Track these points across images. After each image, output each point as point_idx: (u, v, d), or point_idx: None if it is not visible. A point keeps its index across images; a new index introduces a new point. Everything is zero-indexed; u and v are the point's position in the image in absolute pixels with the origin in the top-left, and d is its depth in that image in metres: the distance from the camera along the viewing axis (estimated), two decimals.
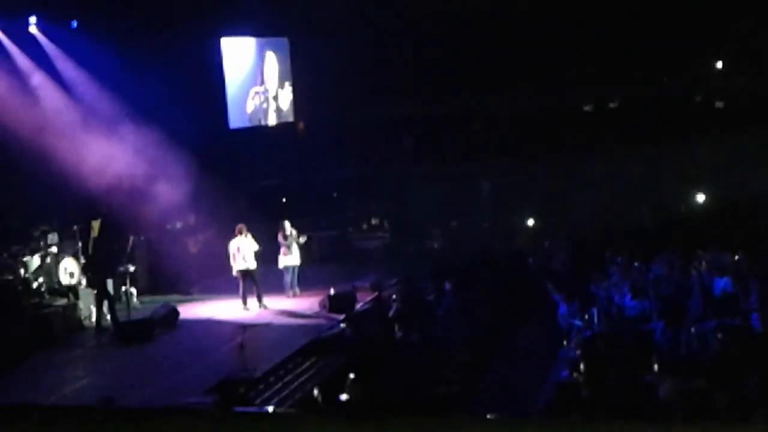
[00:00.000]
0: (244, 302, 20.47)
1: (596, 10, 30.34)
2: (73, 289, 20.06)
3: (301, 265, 21.69)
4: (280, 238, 21.47)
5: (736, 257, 18.65)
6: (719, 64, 33.52)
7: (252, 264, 20.47)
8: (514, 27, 30.52)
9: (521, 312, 19.73)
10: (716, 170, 28.46)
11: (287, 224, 21.61)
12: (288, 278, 21.48)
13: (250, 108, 28.28)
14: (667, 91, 32.70)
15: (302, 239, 21.76)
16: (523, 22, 30.53)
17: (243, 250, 20.42)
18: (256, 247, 20.55)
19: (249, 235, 20.56)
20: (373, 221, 28.32)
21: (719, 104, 32.83)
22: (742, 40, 30.59)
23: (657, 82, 32.64)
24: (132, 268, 20.99)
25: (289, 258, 21.46)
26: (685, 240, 20.95)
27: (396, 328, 18.81)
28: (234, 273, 20.51)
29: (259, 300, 20.56)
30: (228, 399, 14.30)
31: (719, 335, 13.29)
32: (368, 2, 29.91)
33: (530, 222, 27.47)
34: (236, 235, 20.52)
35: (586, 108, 33.56)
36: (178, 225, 23.73)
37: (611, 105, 33.41)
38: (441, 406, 14.61)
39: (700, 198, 27.84)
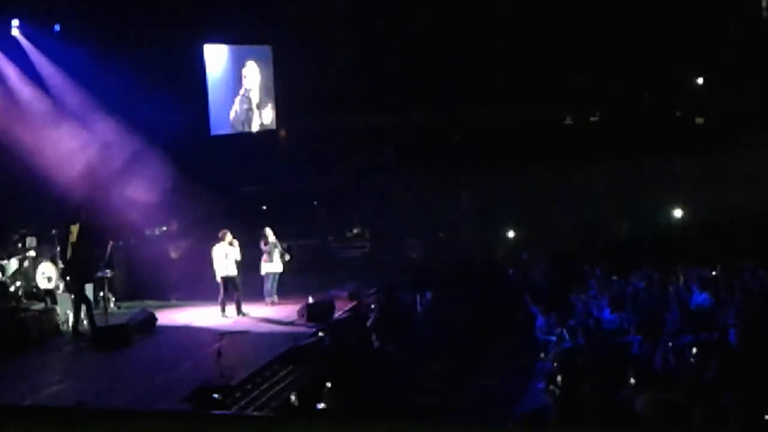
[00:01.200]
0: (223, 309, 20.41)
1: (579, 23, 30.51)
2: (50, 294, 19.95)
3: (282, 272, 21.71)
4: (262, 245, 21.45)
5: (714, 272, 18.76)
6: (700, 80, 33.74)
7: (233, 271, 20.44)
8: (497, 39, 30.64)
9: (500, 323, 19.74)
10: (695, 185, 28.61)
11: (269, 231, 21.59)
12: (268, 285, 21.45)
13: (232, 115, 28.25)
14: (647, 105, 32.88)
15: (287, 257, 21.76)
16: (505, 34, 30.65)
17: (230, 256, 20.38)
18: (239, 254, 20.53)
19: (235, 241, 20.52)
20: (354, 231, 28.29)
21: (699, 120, 33.04)
22: (723, 57, 30.78)
23: (638, 97, 32.82)
24: (110, 274, 20.89)
25: (271, 265, 21.43)
26: (663, 254, 21.05)
27: (374, 337, 18.80)
28: (218, 279, 20.45)
29: (238, 307, 20.50)
30: (204, 406, 14.25)
31: (695, 350, 13.35)
32: (351, 12, 29.96)
33: (510, 233, 27.52)
34: (220, 240, 20.48)
35: (567, 121, 33.69)
36: (157, 231, 23.63)
37: (592, 118, 33.56)
38: (418, 416, 14.58)
39: (679, 212, 27.98)
